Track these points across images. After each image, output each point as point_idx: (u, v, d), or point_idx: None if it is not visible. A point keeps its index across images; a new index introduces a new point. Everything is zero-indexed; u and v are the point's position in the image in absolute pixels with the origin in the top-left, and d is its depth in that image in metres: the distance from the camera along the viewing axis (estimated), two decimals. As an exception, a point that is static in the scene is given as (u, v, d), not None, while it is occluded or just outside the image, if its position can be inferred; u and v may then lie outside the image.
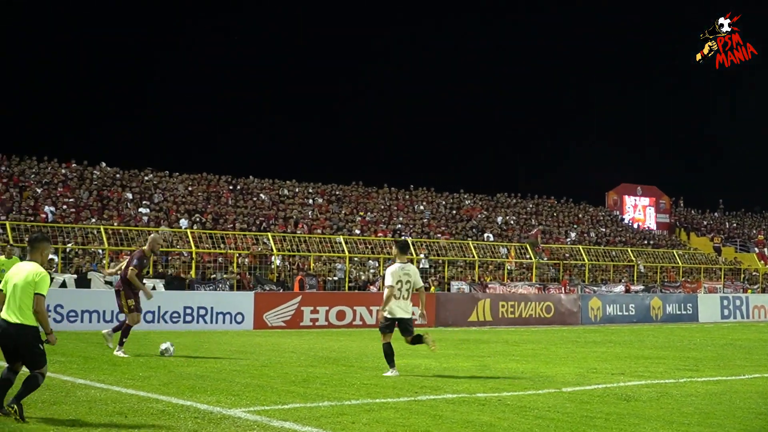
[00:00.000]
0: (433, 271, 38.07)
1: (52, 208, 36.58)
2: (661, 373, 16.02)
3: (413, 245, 38.09)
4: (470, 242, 40.90)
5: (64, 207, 37.26)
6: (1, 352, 10.21)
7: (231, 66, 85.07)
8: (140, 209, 39.33)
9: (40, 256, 10.39)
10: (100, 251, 31.55)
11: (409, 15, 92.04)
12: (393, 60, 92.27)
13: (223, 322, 28.44)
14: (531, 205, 56.77)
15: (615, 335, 28.47)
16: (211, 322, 28.23)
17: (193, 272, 31.76)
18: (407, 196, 52.24)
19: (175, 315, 27.68)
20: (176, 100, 79.90)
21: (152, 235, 19.31)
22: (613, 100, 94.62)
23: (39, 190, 38.91)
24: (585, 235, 53.09)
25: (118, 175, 43.26)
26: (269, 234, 35.78)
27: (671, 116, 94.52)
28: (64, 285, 27.43)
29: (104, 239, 31.01)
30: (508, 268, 40.69)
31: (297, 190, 48.21)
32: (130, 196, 40.90)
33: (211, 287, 30.35)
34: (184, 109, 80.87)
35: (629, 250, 47.14)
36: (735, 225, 66.42)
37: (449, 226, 47.69)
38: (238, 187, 46.44)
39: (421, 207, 50.41)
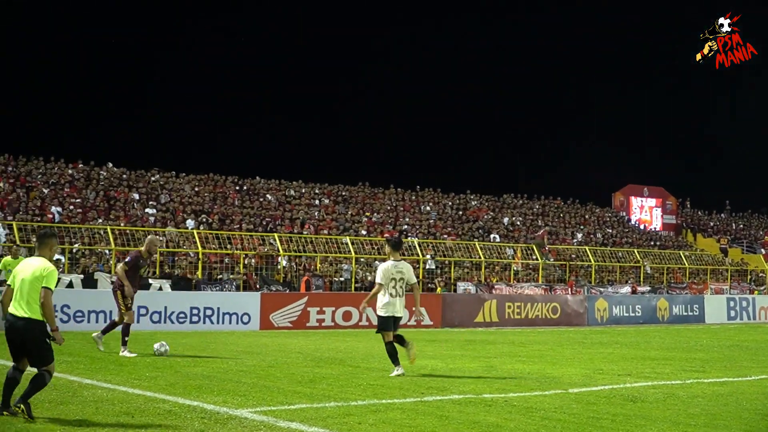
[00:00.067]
0: (439, 271, 38.05)
1: (59, 209, 36.63)
2: (668, 374, 16.00)
3: (419, 246, 38.09)
4: (476, 243, 40.87)
5: (71, 207, 37.31)
6: (7, 352, 10.22)
7: (236, 66, 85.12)
8: (147, 210, 39.37)
9: (48, 251, 10.43)
10: (107, 251, 31.59)
11: (409, 15, 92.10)
12: (396, 60, 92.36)
13: (230, 323, 28.46)
14: (537, 206, 56.73)
15: (621, 336, 28.44)
16: (218, 322, 28.25)
17: (199, 273, 31.79)
18: (413, 197, 52.24)
19: (182, 315, 27.71)
20: (183, 101, 80.00)
21: (149, 237, 19.40)
22: (617, 101, 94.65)
23: (46, 191, 38.96)
24: (591, 236, 53.05)
25: (124, 176, 43.32)
26: (276, 234, 35.79)
27: (676, 117, 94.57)
28: (70, 285, 27.47)
29: (111, 240, 31.03)
30: (515, 269, 40.66)
31: (303, 190, 48.23)
32: (136, 196, 40.95)
33: (217, 288, 30.38)
34: (191, 109, 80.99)
35: (636, 251, 47.08)
36: (742, 226, 66.32)
37: (455, 227, 47.67)
38: (245, 188, 46.47)
39: (428, 208, 50.41)
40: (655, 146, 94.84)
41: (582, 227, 54.39)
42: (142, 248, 18.84)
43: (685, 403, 12.01)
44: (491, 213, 52.46)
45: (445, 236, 44.85)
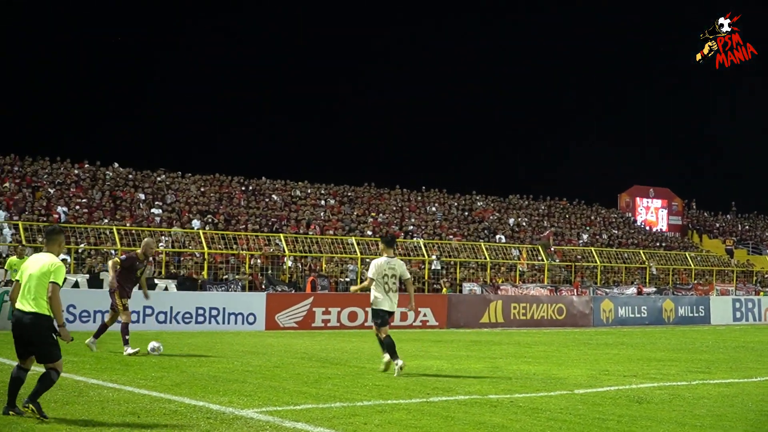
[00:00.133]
0: (444, 272, 38.04)
1: (65, 209, 36.67)
2: (674, 375, 15.99)
3: (425, 246, 38.09)
4: (482, 244, 40.86)
5: (77, 207, 37.34)
6: (10, 350, 10.23)
7: (242, 66, 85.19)
8: (153, 210, 39.40)
9: (57, 247, 10.46)
10: (113, 251, 31.60)
11: (409, 15, 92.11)
12: (399, 60, 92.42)
13: (235, 323, 28.48)
14: (543, 207, 56.70)
15: (627, 337, 28.42)
16: (223, 322, 28.28)
17: (205, 273, 31.81)
18: (419, 198, 52.24)
19: (188, 315, 27.74)
20: (190, 101, 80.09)
21: (146, 239, 19.50)
22: (623, 101, 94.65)
23: (52, 191, 39.01)
24: (597, 236, 53.01)
25: (130, 176, 43.37)
26: (281, 235, 35.82)
27: (680, 117, 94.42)
28: (76, 285, 27.51)
29: (117, 240, 31.07)
30: (520, 269, 40.65)
31: (309, 191, 48.25)
32: (142, 196, 40.99)
33: (223, 288, 30.40)
34: (197, 109, 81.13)
35: (641, 252, 47.03)
36: (747, 227, 66.25)
37: (461, 228, 47.65)
38: (251, 188, 46.50)
39: (433, 208, 50.40)
40: (661, 147, 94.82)
41: (588, 228, 54.35)
42: (139, 250, 19.02)
43: (690, 405, 12.01)
44: (497, 214, 52.43)
45: (451, 237, 44.84)
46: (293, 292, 31.41)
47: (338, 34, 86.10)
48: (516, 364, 17.59)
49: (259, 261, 33.88)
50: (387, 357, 15.26)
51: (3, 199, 36.07)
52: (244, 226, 39.13)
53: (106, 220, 36.19)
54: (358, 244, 36.01)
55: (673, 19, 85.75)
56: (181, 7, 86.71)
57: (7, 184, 38.16)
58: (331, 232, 41.16)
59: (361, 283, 34.30)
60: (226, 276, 32.38)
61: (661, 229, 62.38)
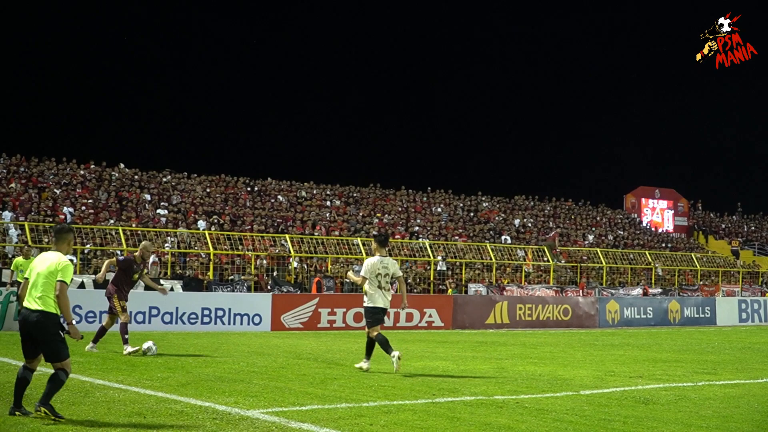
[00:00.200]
0: (450, 273, 38.03)
1: (71, 209, 36.71)
2: (680, 376, 15.98)
3: (431, 247, 38.09)
4: (488, 244, 40.86)
5: (83, 208, 37.40)
6: (14, 350, 10.24)
7: (248, 67, 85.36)
8: (158, 210, 39.44)
9: (66, 246, 10.47)
10: (119, 252, 31.63)
11: (409, 15, 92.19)
12: (403, 61, 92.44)
13: (241, 324, 28.50)
14: (549, 208, 56.67)
15: (633, 338, 28.39)
16: (229, 323, 28.30)
17: (210, 273, 31.84)
18: (425, 198, 52.23)
19: (193, 316, 27.76)
20: (195, 102, 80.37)
21: (143, 242, 19.57)
22: (627, 102, 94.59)
23: (58, 191, 39.07)
24: (603, 237, 52.97)
25: (136, 177, 43.43)
26: (287, 236, 35.83)
27: (685, 118, 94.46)
28: (82, 286, 27.53)
29: (123, 240, 31.10)
30: (526, 270, 40.63)
31: (315, 191, 48.26)
32: (148, 197, 41.03)
33: (228, 289, 30.41)
34: (203, 110, 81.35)
35: (647, 252, 46.98)
36: (753, 228, 66.12)
37: (467, 229, 47.64)
38: (256, 189, 46.53)
39: (439, 209, 50.39)
40: (667, 148, 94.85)
41: (593, 229, 54.31)
42: (137, 253, 19.08)
43: (696, 405, 12.00)
44: (502, 214, 52.41)
45: (457, 237, 44.84)
46: (299, 292, 31.42)
47: (344, 34, 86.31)
48: (522, 365, 17.58)
49: (264, 262, 33.91)
50: (366, 364, 15.63)
51: (9, 199, 36.13)
52: (249, 227, 39.15)
53: (111, 221, 36.23)
54: (363, 244, 36.00)
55: (678, 18, 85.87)
56: (193, 7, 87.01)
57: (13, 185, 38.22)
58: (336, 232, 41.18)
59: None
60: (232, 277, 32.41)
61: (666, 230, 62.29)
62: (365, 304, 15.78)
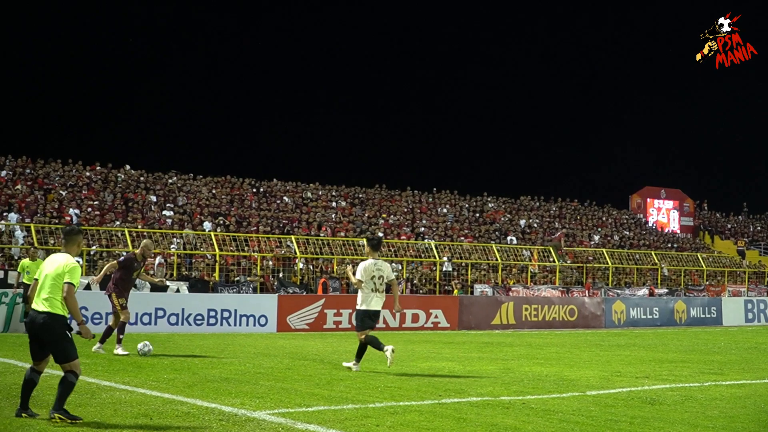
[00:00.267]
0: (456, 274, 38.02)
1: (77, 211, 36.74)
2: (686, 376, 15.97)
3: (436, 248, 38.08)
4: (493, 245, 40.83)
5: (89, 209, 37.42)
6: (17, 352, 10.24)
7: (253, 68, 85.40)
8: (164, 212, 39.47)
9: (76, 248, 10.49)
10: (124, 254, 31.63)
11: (410, 18, 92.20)
12: (407, 61, 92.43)
13: (247, 325, 28.51)
14: (554, 208, 56.62)
15: (639, 339, 28.37)
16: (235, 324, 28.31)
17: (216, 275, 31.84)
18: (430, 199, 52.20)
19: (199, 317, 27.78)
20: (201, 103, 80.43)
21: (144, 241, 19.59)
22: (632, 103, 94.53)
23: (63, 193, 39.11)
24: (609, 238, 52.91)
25: (142, 178, 43.46)
26: (293, 237, 35.84)
27: (691, 118, 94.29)
28: (88, 287, 27.53)
29: (128, 242, 31.12)
30: (532, 271, 40.61)
31: (320, 192, 48.27)
32: (154, 198, 41.05)
33: (234, 290, 30.42)
34: (209, 111, 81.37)
35: (653, 253, 46.91)
36: (759, 228, 66.02)
37: (472, 229, 47.60)
38: (262, 190, 46.54)
39: (445, 210, 50.37)
40: (673, 148, 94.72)
41: (599, 229, 54.25)
42: (137, 251, 19.14)
43: (703, 406, 11.99)
44: (508, 215, 52.39)
45: (462, 238, 44.81)
46: (305, 293, 31.43)
47: (348, 34, 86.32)
48: (528, 366, 17.58)
49: (270, 263, 33.91)
50: (356, 367, 15.81)
51: (15, 201, 36.17)
52: (255, 228, 39.17)
53: (117, 222, 36.26)
54: (369, 245, 35.93)
55: (682, 19, 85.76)
56: (197, 8, 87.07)
57: (19, 187, 38.28)
58: (342, 233, 41.18)
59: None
60: (238, 278, 32.42)
61: (672, 230, 62.24)
62: (358, 307, 16.03)
